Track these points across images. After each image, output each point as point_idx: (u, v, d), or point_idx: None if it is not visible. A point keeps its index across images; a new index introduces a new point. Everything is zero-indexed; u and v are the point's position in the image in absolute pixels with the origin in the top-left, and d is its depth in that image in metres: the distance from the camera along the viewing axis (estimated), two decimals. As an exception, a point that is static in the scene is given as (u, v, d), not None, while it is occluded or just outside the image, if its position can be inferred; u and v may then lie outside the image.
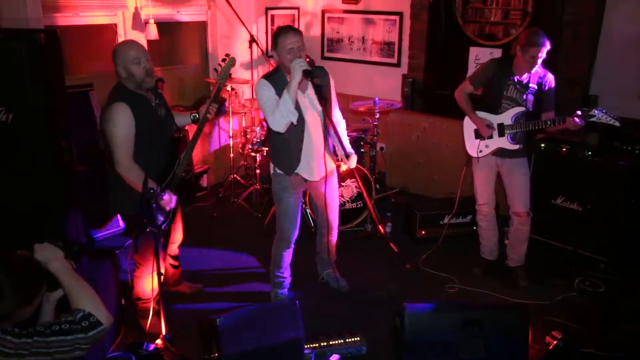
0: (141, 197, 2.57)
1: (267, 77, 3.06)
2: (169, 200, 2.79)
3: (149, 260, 2.96)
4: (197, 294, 3.56)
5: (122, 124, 2.65)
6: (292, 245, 3.38)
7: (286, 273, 3.46)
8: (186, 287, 3.55)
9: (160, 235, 2.80)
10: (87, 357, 1.89)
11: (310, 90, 3.05)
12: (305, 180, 3.21)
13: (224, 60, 3.11)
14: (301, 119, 3.02)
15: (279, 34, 2.98)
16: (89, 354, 1.89)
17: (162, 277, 2.79)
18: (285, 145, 3.12)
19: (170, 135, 2.94)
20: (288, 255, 3.41)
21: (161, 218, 2.81)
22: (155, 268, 2.73)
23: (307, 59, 3.10)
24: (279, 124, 2.92)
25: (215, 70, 3.14)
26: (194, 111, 3.19)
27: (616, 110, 3.17)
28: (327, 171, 3.18)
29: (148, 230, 2.73)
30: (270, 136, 3.18)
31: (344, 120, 3.42)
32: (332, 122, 3.10)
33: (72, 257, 1.88)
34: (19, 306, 1.68)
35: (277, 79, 3.02)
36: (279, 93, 2.94)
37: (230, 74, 4.84)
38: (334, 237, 3.57)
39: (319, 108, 3.05)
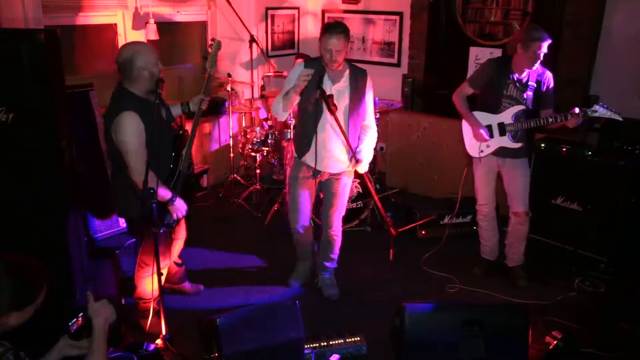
0: (149, 198, 2.58)
1: (308, 61, 3.26)
2: (180, 207, 2.85)
3: (153, 260, 2.96)
4: (196, 294, 3.56)
5: (133, 133, 2.65)
6: (302, 231, 3.49)
7: (307, 250, 3.63)
8: (188, 287, 3.55)
9: (165, 234, 2.81)
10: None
11: (342, 84, 3.14)
12: (316, 173, 3.24)
13: (210, 46, 3.07)
14: (320, 110, 3.10)
15: (325, 31, 3.02)
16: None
17: (162, 277, 2.79)
18: (302, 129, 3.25)
19: (172, 134, 2.94)
20: (302, 240, 3.55)
21: (172, 222, 2.87)
22: (155, 268, 2.73)
23: (339, 66, 3.09)
24: (275, 109, 3.19)
25: (205, 58, 3.11)
26: (184, 101, 3.18)
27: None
28: (339, 169, 3.27)
29: (161, 231, 2.76)
30: (296, 122, 3.40)
31: (374, 128, 3.33)
32: (338, 121, 3.01)
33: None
34: (10, 308, 1.68)
35: (316, 65, 3.11)
36: (314, 79, 3.06)
37: (230, 75, 4.89)
38: (336, 241, 3.51)
39: (344, 104, 3.14)
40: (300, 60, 3.31)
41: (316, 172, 3.26)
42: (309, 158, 3.23)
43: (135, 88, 2.74)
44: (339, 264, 3.71)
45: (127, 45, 2.87)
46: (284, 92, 3.15)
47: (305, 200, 3.39)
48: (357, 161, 3.15)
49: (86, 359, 1.81)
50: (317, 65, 3.10)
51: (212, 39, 3.08)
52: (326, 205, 3.44)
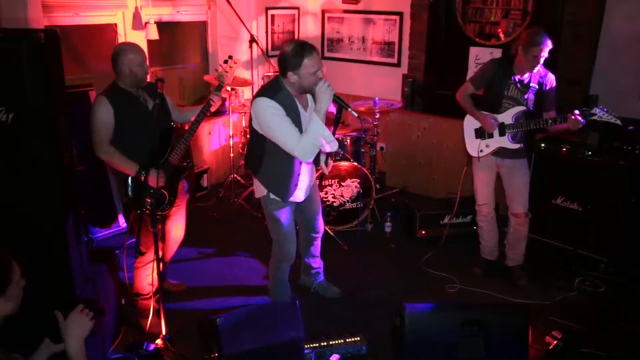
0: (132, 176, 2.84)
1: (269, 95, 2.70)
2: (154, 178, 2.84)
3: (150, 248, 2.98)
4: (182, 292, 3.57)
5: (99, 112, 2.86)
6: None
7: (288, 288, 3.33)
8: (169, 285, 3.57)
9: (157, 221, 2.84)
10: (88, 358, 1.89)
11: (311, 105, 2.87)
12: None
13: (225, 62, 3.17)
14: None
15: (304, 54, 2.61)
16: (89, 356, 1.89)
17: (163, 269, 2.81)
18: (284, 171, 2.86)
19: (162, 127, 2.99)
20: (286, 275, 3.26)
21: (150, 200, 2.83)
22: (154, 266, 2.74)
23: None
24: (309, 153, 2.68)
25: (216, 70, 3.19)
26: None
27: (616, 110, 3.17)
28: (314, 182, 3.17)
29: (139, 211, 2.86)
30: (264, 159, 2.87)
31: None
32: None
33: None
34: None
35: (283, 97, 2.71)
36: (288, 115, 2.70)
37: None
38: (320, 239, 3.45)
39: None
40: (265, 98, 2.68)
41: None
42: (296, 196, 2.98)
43: (121, 82, 2.95)
44: (338, 264, 3.71)
45: (118, 44, 3.13)
46: (289, 128, 2.67)
47: (294, 228, 3.12)
48: (328, 164, 3.14)
49: None
50: (285, 97, 2.73)
51: (230, 57, 3.19)
52: (310, 213, 3.25)
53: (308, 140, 2.65)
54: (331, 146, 2.72)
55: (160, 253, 3.25)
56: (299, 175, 2.91)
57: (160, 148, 2.98)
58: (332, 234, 4.22)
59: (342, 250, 4.15)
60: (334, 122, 2.88)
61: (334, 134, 2.75)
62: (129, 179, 2.90)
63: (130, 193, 2.93)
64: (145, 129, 2.83)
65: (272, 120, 2.68)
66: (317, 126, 2.64)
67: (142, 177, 2.85)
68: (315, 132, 2.64)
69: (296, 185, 2.92)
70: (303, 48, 2.64)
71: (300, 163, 2.89)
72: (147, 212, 2.82)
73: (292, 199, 2.96)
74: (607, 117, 3.13)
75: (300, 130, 2.74)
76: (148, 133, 2.82)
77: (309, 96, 2.89)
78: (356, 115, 2.81)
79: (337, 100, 2.72)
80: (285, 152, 2.76)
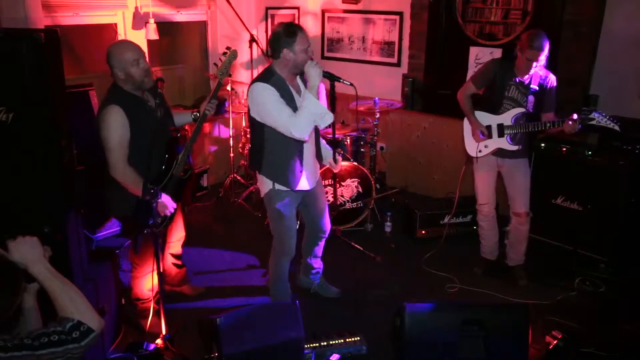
0: (140, 198, 2.54)
1: (264, 80, 2.80)
2: (166, 203, 2.78)
3: (146, 260, 2.97)
4: (197, 295, 3.56)
5: (115, 128, 2.60)
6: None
7: (288, 286, 3.32)
8: (189, 289, 3.55)
9: (158, 235, 2.78)
10: (88, 358, 1.89)
11: (302, 88, 2.94)
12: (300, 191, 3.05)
13: (224, 54, 2.96)
14: None
15: (296, 32, 2.76)
16: (89, 355, 1.89)
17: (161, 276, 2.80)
18: (286, 157, 2.91)
19: (167, 136, 2.87)
20: (288, 267, 3.26)
21: (158, 220, 2.76)
22: (155, 268, 2.73)
23: None
24: (305, 129, 2.72)
25: (216, 65, 2.97)
26: (194, 109, 3.15)
27: (616, 110, 3.16)
28: (318, 176, 3.18)
29: (146, 231, 2.73)
30: (265, 147, 2.91)
31: None
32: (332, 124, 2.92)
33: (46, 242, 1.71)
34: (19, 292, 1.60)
35: (276, 81, 2.80)
36: (282, 97, 2.77)
37: (230, 73, 4.88)
38: (325, 239, 3.44)
39: None
40: (260, 82, 2.76)
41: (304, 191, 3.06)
42: (302, 184, 3.00)
43: (124, 85, 2.71)
44: (339, 264, 3.70)
45: (111, 45, 2.79)
46: (283, 108, 2.73)
47: (296, 225, 3.14)
48: (337, 160, 3.17)
49: (57, 309, 1.64)
50: (278, 81, 2.81)
51: (228, 48, 2.97)
52: (316, 211, 3.25)
53: (302, 116, 2.71)
54: (325, 120, 2.77)
55: (166, 263, 3.26)
56: (302, 160, 2.94)
57: (166, 160, 2.81)
58: (360, 248, 4.14)
59: (342, 250, 4.15)
60: (328, 97, 2.96)
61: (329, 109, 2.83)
62: (136, 199, 2.62)
63: (134, 213, 2.68)
64: (157, 142, 2.64)
65: (268, 102, 2.77)
66: (310, 102, 2.71)
67: (154, 204, 2.58)
68: (309, 108, 2.71)
69: (301, 171, 2.95)
70: (293, 26, 2.83)
71: (302, 148, 2.93)
72: (151, 230, 2.68)
73: (298, 187, 2.97)
74: (605, 121, 3.14)
75: None
76: (158, 146, 2.68)
77: (300, 82, 2.96)
78: (349, 84, 2.95)
79: (327, 75, 2.86)
80: (285, 137, 2.80)
